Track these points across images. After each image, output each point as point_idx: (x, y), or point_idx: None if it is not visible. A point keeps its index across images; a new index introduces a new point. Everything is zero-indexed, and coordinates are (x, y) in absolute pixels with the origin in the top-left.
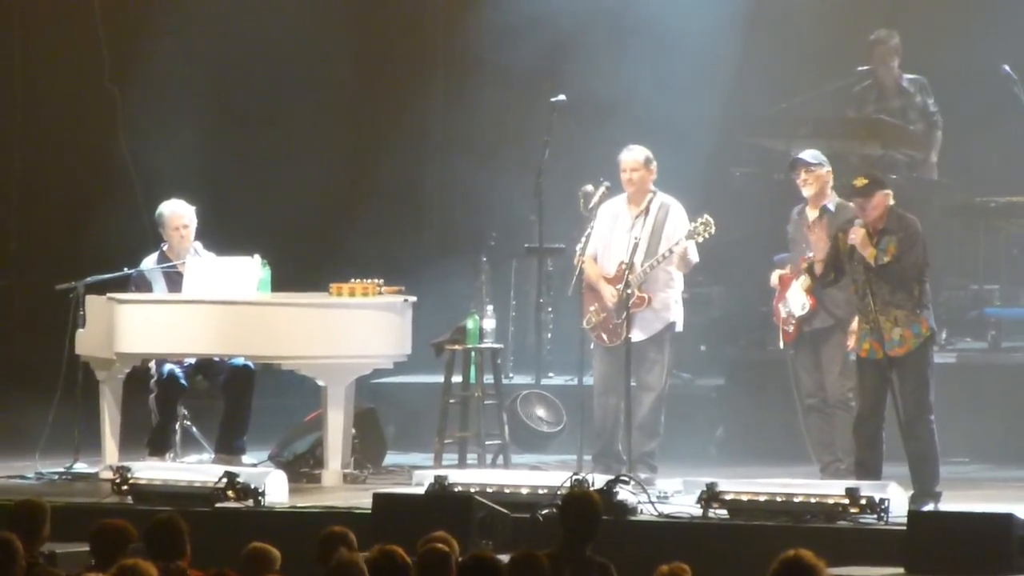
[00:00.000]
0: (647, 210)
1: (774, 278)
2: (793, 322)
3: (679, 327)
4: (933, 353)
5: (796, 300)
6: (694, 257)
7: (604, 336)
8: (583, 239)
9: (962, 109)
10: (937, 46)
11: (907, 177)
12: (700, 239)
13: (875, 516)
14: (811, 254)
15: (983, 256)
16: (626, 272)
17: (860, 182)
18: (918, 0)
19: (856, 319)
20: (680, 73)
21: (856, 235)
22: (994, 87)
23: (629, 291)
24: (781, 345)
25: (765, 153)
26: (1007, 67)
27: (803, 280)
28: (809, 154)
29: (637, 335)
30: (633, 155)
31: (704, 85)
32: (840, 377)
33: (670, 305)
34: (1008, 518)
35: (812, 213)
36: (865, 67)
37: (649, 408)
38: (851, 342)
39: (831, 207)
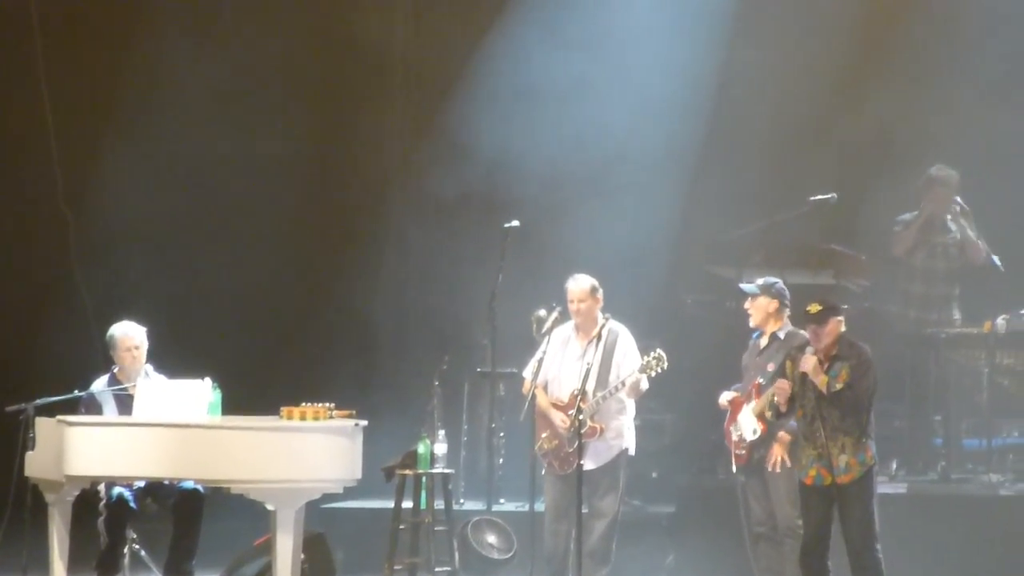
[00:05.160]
0: (599, 336)
1: (723, 399)
2: (745, 446)
3: (632, 451)
4: (876, 481)
5: (748, 424)
6: (644, 385)
7: (556, 464)
8: (534, 363)
9: None
10: (889, 174)
11: (859, 307)
12: (652, 374)
13: None
14: (760, 380)
15: (934, 386)
16: (578, 399)
17: (814, 308)
18: (870, 131)
19: (782, 433)
20: (633, 199)
21: (808, 363)
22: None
23: (581, 417)
24: (734, 468)
25: (717, 281)
26: (959, 199)
27: (755, 405)
28: (755, 282)
29: (589, 464)
30: (579, 284)
31: (657, 212)
32: (789, 505)
33: (622, 432)
34: None
35: (763, 341)
36: (820, 196)
37: (600, 535)
38: (773, 459)
39: (780, 335)
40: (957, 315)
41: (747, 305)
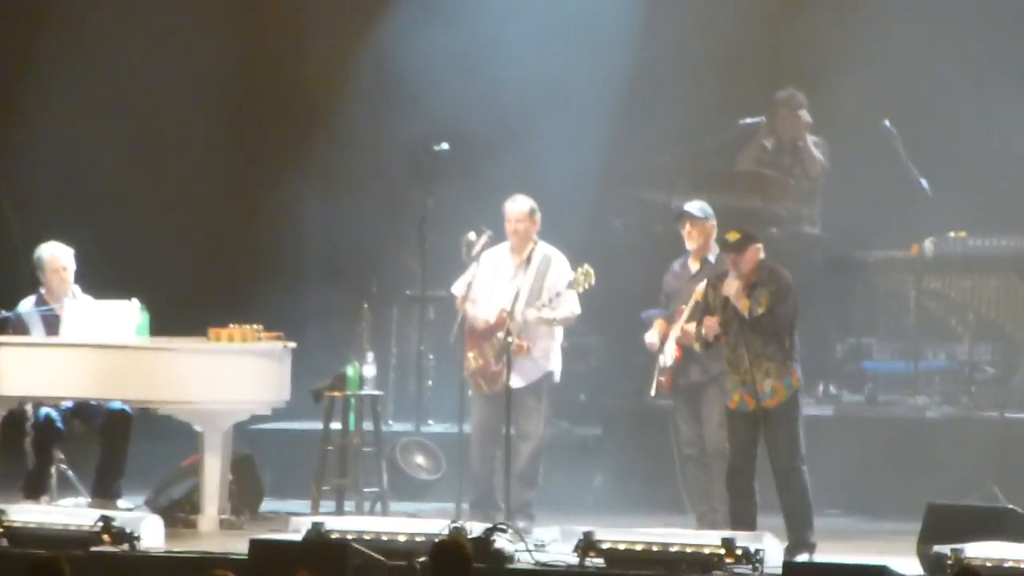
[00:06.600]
0: (528, 259)
1: (651, 335)
2: (665, 373)
3: (556, 378)
4: (802, 404)
5: (669, 351)
6: (577, 309)
7: (483, 383)
8: (463, 283)
9: (842, 163)
10: (817, 99)
11: (787, 231)
12: (581, 289)
13: (750, 566)
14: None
15: (861, 310)
16: (507, 319)
17: (733, 236)
18: (797, 55)
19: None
20: (561, 123)
21: (731, 287)
22: (874, 141)
23: (510, 339)
24: (652, 393)
25: (645, 204)
26: (887, 123)
27: (676, 329)
28: (696, 206)
29: (516, 381)
30: (518, 206)
31: (585, 136)
32: (718, 428)
33: (549, 354)
34: (882, 570)
35: (694, 265)
36: (749, 120)
37: (527, 457)
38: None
39: (711, 259)
40: (812, 231)
41: (687, 230)
